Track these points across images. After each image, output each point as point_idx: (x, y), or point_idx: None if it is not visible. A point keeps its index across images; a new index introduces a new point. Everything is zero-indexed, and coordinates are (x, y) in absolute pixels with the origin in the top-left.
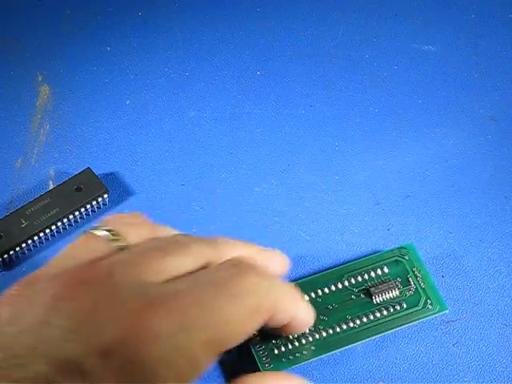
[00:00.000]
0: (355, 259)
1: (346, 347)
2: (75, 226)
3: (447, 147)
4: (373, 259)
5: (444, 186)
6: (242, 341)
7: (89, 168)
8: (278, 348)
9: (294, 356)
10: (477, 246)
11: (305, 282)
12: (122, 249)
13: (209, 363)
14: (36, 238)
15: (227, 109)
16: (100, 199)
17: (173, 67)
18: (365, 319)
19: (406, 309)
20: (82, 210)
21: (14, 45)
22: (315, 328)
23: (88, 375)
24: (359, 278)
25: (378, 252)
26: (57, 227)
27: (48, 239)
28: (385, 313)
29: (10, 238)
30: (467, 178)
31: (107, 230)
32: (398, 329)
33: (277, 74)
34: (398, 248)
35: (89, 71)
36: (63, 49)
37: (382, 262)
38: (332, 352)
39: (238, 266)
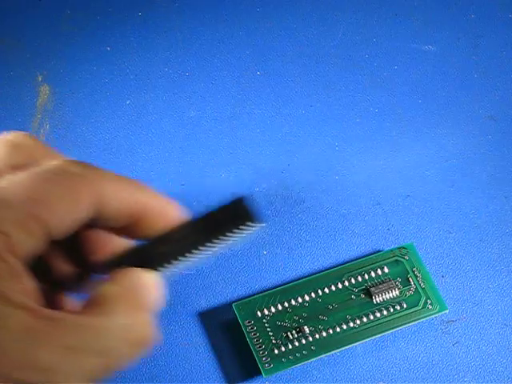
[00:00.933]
0: (355, 259)
1: (346, 347)
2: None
3: (447, 147)
4: (373, 259)
5: (444, 185)
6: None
7: (242, 198)
8: (278, 348)
9: (294, 356)
10: (477, 246)
11: (305, 282)
12: None
13: None
14: (177, 264)
15: (227, 109)
16: (251, 230)
17: (173, 67)
18: (365, 319)
19: (406, 309)
20: (230, 240)
21: (13, 45)
22: (315, 328)
23: None
24: (359, 278)
25: (378, 252)
26: (201, 256)
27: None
28: (385, 313)
29: (150, 262)
30: (467, 178)
31: None
32: (397, 329)
33: (277, 74)
34: (398, 248)
35: (89, 71)
36: (63, 49)
37: (382, 262)
38: (332, 352)
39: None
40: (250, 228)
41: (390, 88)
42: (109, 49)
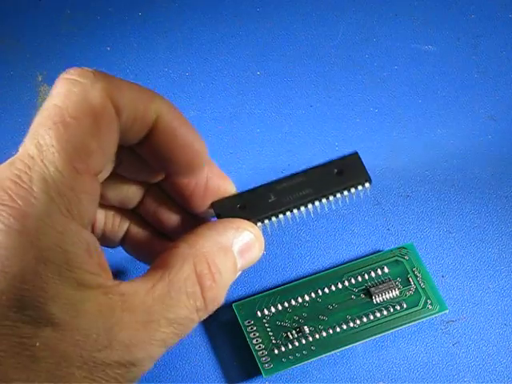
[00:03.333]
0: (355, 259)
1: (346, 347)
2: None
3: (447, 147)
4: (373, 259)
5: (444, 186)
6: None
7: (356, 152)
8: (278, 348)
9: (294, 356)
10: (477, 246)
11: (305, 282)
12: None
13: None
14: (281, 215)
15: (227, 109)
16: (360, 187)
17: (173, 67)
18: (365, 319)
19: (406, 309)
20: (338, 195)
21: (13, 45)
22: (315, 328)
23: None
24: (359, 278)
25: (378, 252)
26: (306, 208)
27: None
28: (385, 313)
29: (255, 210)
30: (467, 178)
31: None
32: (397, 329)
33: (277, 74)
34: (398, 248)
35: None
36: (63, 49)
37: (381, 262)
38: (332, 352)
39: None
40: (362, 188)
41: (390, 88)
42: (109, 49)
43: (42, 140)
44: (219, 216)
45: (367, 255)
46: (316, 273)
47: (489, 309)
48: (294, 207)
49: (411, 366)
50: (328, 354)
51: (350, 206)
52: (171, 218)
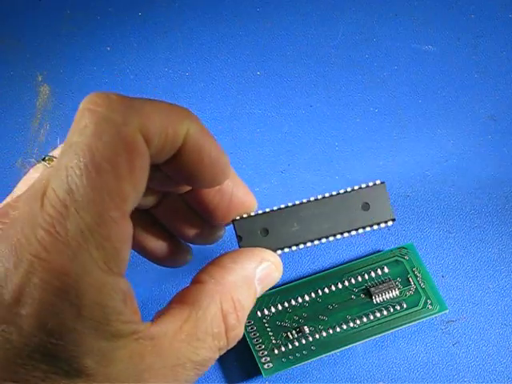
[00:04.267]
0: (355, 259)
1: (346, 347)
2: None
3: (447, 147)
4: (373, 259)
5: (444, 185)
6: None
7: (384, 183)
8: (278, 348)
9: (294, 356)
10: (477, 246)
11: (305, 282)
12: None
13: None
14: (302, 245)
15: (227, 109)
16: (383, 225)
17: (173, 67)
18: (365, 319)
19: (406, 309)
20: (360, 230)
21: (13, 45)
22: (315, 328)
23: None
24: (359, 278)
25: (378, 252)
26: (327, 240)
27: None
28: (385, 313)
29: (278, 238)
30: (467, 178)
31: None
32: (397, 329)
33: (277, 74)
34: (398, 248)
35: (89, 71)
36: (63, 49)
37: (382, 262)
38: (332, 352)
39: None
40: (385, 225)
41: (390, 88)
42: (109, 49)
43: (73, 185)
44: (241, 239)
45: (367, 255)
46: (316, 273)
47: (489, 309)
48: (316, 239)
49: (411, 366)
50: (328, 353)
51: None
52: (186, 222)
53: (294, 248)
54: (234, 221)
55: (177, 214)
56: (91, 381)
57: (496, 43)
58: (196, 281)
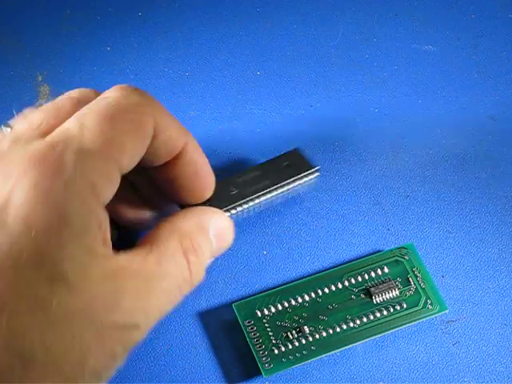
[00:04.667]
0: (355, 259)
1: (346, 347)
2: (280, 199)
3: (447, 147)
4: (373, 259)
5: (444, 185)
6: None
7: (296, 149)
8: (278, 348)
9: (294, 356)
10: (477, 246)
11: (305, 282)
12: None
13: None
14: (244, 206)
15: (227, 109)
16: (311, 177)
17: (173, 67)
18: (365, 319)
19: (406, 309)
20: (291, 185)
21: (13, 45)
22: (315, 328)
23: None
24: (359, 278)
25: (378, 252)
26: (265, 199)
27: (253, 210)
28: (385, 313)
29: (221, 201)
30: (467, 178)
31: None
32: (398, 329)
33: (277, 74)
34: (398, 248)
35: (89, 71)
36: (63, 49)
37: (381, 262)
38: (332, 352)
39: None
40: (309, 174)
41: (390, 88)
42: (109, 49)
43: (85, 120)
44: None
45: (367, 255)
46: (316, 273)
47: (489, 309)
48: (256, 197)
49: (411, 366)
50: (328, 353)
51: (350, 206)
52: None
53: (239, 209)
54: None
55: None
56: (72, 291)
57: (496, 43)
58: (155, 226)
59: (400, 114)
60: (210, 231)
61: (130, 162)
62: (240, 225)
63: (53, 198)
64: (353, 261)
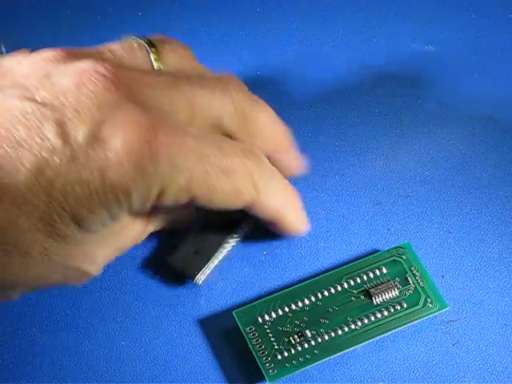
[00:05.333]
0: (355, 259)
1: (350, 349)
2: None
3: (447, 147)
4: (370, 260)
5: (444, 185)
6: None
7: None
8: (281, 353)
9: (298, 360)
10: (477, 246)
11: (304, 286)
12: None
13: (165, 204)
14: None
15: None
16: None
17: None
18: (366, 320)
19: (407, 308)
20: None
21: (13, 44)
22: (317, 332)
23: None
24: (358, 280)
25: (378, 252)
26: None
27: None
28: (385, 313)
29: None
30: (467, 178)
31: (150, 45)
32: (399, 329)
33: (277, 74)
34: (395, 248)
35: None
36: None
37: (379, 263)
38: (335, 355)
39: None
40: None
41: (390, 88)
42: None
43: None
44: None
45: (367, 255)
46: (316, 274)
47: (489, 309)
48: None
49: (411, 366)
50: (331, 357)
51: (349, 206)
52: None
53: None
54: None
55: None
56: None
57: (496, 43)
58: None
59: (400, 114)
60: None
61: (204, 204)
62: None
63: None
64: (351, 262)
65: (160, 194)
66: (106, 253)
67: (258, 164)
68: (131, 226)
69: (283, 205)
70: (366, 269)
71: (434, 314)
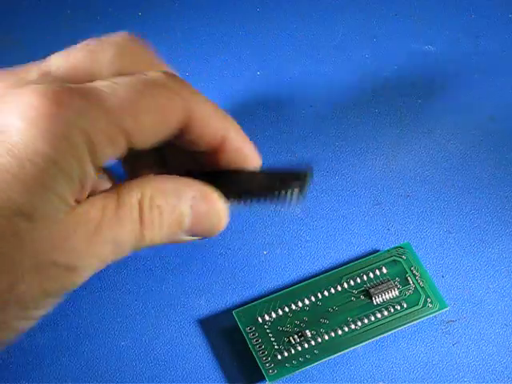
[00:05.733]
0: (355, 259)
1: (350, 349)
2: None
3: (447, 147)
4: (370, 260)
5: (444, 185)
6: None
7: (310, 170)
8: (281, 353)
9: (298, 361)
10: (477, 246)
11: (304, 286)
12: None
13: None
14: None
15: (227, 109)
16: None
17: (173, 67)
18: (366, 321)
19: (407, 308)
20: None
21: (13, 44)
22: (317, 332)
23: None
24: (358, 280)
25: (378, 252)
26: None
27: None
28: (385, 313)
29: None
30: (467, 178)
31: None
32: (400, 329)
33: (277, 74)
34: (395, 248)
35: None
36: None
37: (379, 263)
38: (335, 355)
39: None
40: (292, 200)
41: (390, 88)
42: None
43: (115, 88)
44: None
45: (367, 255)
46: (316, 274)
47: (489, 309)
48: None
49: (411, 366)
50: (331, 357)
51: (349, 206)
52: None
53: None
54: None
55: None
56: (32, 225)
57: (496, 43)
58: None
59: (400, 114)
60: (185, 200)
61: (144, 138)
62: (240, 225)
63: (46, 135)
64: (351, 262)
65: (91, 150)
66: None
67: (182, 83)
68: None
69: (225, 125)
70: (366, 269)
71: (433, 314)
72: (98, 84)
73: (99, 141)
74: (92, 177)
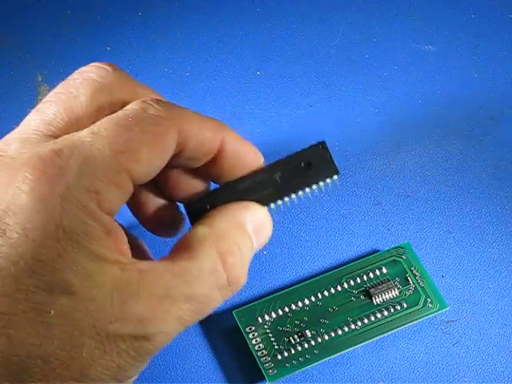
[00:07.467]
0: (355, 259)
1: (350, 349)
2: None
3: (447, 147)
4: (370, 260)
5: (444, 186)
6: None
7: (324, 142)
8: (281, 353)
9: (298, 361)
10: (477, 246)
11: (304, 286)
12: None
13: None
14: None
15: (227, 109)
16: (328, 180)
17: (173, 67)
18: (366, 320)
19: (407, 308)
20: (306, 189)
21: (14, 45)
22: (317, 332)
23: None
24: (358, 280)
25: (377, 252)
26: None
27: None
28: (385, 313)
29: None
30: (467, 178)
31: None
32: (399, 329)
33: (277, 74)
34: (395, 248)
35: None
36: (63, 49)
37: (379, 263)
38: (335, 355)
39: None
40: (330, 180)
41: (390, 88)
42: (109, 49)
43: (100, 129)
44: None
45: (367, 255)
46: (316, 274)
47: (489, 309)
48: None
49: (411, 366)
50: (331, 357)
51: (350, 206)
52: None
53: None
54: (184, 205)
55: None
56: (74, 299)
57: (496, 43)
58: (188, 231)
59: (400, 114)
60: (247, 227)
61: (144, 172)
62: None
63: (50, 206)
64: (351, 262)
65: (99, 202)
66: None
67: (166, 105)
68: None
69: (219, 132)
70: (366, 269)
71: (433, 314)
72: (82, 133)
73: (105, 190)
74: (113, 223)
